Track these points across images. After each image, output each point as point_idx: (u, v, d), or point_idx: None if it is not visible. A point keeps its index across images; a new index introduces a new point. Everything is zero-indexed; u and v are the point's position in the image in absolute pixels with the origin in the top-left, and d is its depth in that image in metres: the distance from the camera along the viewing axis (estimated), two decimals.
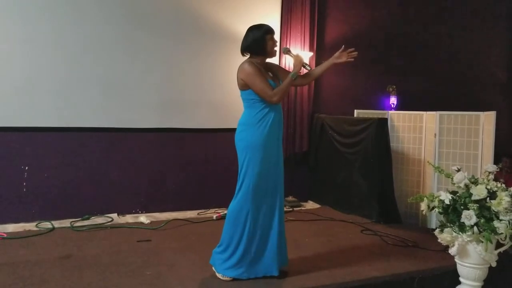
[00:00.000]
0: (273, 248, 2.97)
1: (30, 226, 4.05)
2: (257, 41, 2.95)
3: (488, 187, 2.67)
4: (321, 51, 5.49)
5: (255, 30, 2.98)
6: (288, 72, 3.15)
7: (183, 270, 3.10)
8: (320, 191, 5.38)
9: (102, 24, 4.44)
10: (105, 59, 4.47)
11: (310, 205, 5.31)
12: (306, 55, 5.25)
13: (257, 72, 2.89)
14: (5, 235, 3.71)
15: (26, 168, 4.21)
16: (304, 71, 3.12)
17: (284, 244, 3.07)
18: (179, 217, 4.47)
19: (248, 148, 2.93)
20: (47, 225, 4.07)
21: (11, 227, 3.99)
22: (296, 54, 3.10)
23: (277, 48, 3.05)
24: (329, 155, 5.26)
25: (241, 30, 4.99)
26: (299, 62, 3.00)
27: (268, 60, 3.08)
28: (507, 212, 2.57)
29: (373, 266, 3.24)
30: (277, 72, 3.13)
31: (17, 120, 4.16)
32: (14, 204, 4.16)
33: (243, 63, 2.95)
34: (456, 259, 2.79)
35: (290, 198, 5.12)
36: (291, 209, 4.92)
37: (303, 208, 5.10)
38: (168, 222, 4.29)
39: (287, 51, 3.17)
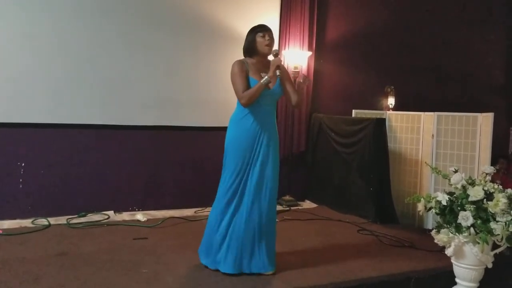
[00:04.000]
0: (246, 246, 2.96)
1: (26, 222, 4.03)
2: (250, 42, 3.00)
3: (485, 188, 2.67)
4: (320, 50, 5.48)
5: (249, 32, 3.03)
6: (288, 73, 3.16)
7: (179, 268, 3.09)
8: (317, 190, 5.38)
9: (101, 21, 4.42)
10: (103, 56, 4.45)
11: (307, 204, 5.30)
12: (305, 55, 5.25)
13: (238, 72, 2.92)
14: (1, 232, 3.70)
15: (22, 164, 4.19)
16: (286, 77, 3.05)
17: (271, 249, 3.03)
18: (176, 215, 4.46)
19: (227, 145, 3.02)
20: (43, 221, 4.05)
21: (6, 224, 3.97)
22: (277, 58, 2.97)
23: (270, 45, 2.99)
24: (326, 155, 5.26)
25: (240, 28, 4.96)
26: (272, 65, 2.92)
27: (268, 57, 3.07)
28: (503, 213, 2.57)
29: (369, 266, 3.24)
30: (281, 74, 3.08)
31: (13, 116, 4.14)
32: (10, 200, 4.14)
33: (234, 61, 2.99)
34: (452, 260, 2.80)
35: (287, 197, 5.12)
36: (288, 208, 4.92)
37: (300, 208, 5.10)
38: (165, 220, 4.28)
39: (275, 54, 3.04)
